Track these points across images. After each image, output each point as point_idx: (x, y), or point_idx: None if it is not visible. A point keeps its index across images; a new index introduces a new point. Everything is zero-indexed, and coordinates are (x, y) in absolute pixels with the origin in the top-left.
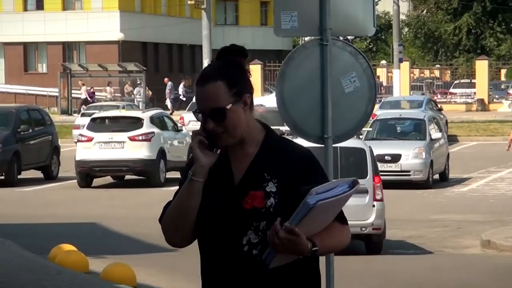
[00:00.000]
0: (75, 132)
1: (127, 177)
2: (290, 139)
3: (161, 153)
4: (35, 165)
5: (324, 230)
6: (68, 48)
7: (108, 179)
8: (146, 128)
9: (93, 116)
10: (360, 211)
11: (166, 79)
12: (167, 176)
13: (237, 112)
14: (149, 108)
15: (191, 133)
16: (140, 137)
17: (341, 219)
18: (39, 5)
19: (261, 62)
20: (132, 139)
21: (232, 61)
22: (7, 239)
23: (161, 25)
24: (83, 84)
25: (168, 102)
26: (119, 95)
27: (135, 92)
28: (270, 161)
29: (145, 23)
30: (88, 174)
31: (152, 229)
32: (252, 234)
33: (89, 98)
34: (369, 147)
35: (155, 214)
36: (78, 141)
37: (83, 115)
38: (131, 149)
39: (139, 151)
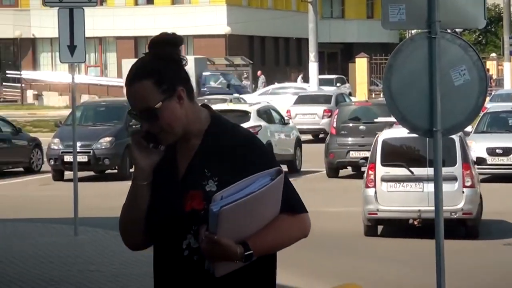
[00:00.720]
0: None
1: None
2: (237, 125)
3: (268, 146)
4: None
5: (264, 228)
6: None
7: None
8: (253, 121)
9: None
10: (449, 197)
11: (259, 72)
12: None
13: (170, 109)
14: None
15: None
16: None
17: (290, 207)
18: (149, 0)
19: (368, 56)
20: None
21: (160, 55)
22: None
23: (268, 19)
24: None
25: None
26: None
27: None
28: (211, 156)
29: (252, 16)
30: None
31: None
32: (191, 238)
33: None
34: (459, 136)
35: None
36: None
37: None
38: None
39: None
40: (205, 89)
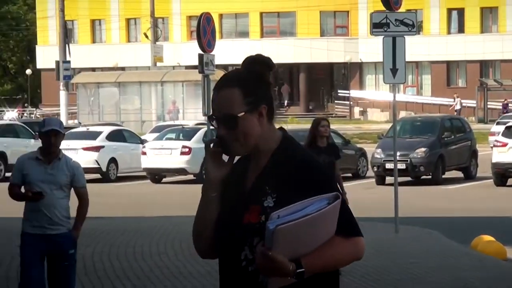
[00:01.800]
0: (491, 138)
1: None
2: (303, 149)
3: None
4: (456, 166)
5: (318, 248)
6: (484, 66)
7: None
8: None
9: (508, 124)
10: None
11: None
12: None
13: (249, 122)
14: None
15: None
16: None
17: (345, 231)
18: (460, 29)
19: None
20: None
21: (253, 71)
22: (434, 230)
23: None
24: (457, 96)
25: None
26: None
27: None
28: (273, 175)
29: None
30: (503, 174)
31: None
32: (248, 250)
33: (503, 109)
34: None
35: None
36: (494, 146)
37: (498, 123)
38: None
39: None
40: None
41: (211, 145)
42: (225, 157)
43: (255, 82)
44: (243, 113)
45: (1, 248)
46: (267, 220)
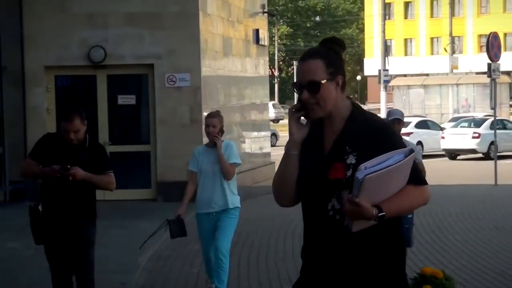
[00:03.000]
0: None
1: None
2: (373, 114)
3: None
4: None
5: (395, 195)
6: None
7: None
8: None
9: None
10: None
11: None
12: None
13: (329, 88)
14: None
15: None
16: None
17: (416, 180)
18: None
19: None
20: None
21: (332, 48)
22: None
23: None
24: None
25: None
26: None
27: None
28: (352, 136)
29: None
30: None
31: None
32: (335, 201)
33: None
34: None
35: None
36: None
37: None
38: None
39: None
40: None
41: (293, 110)
42: (303, 121)
43: (334, 56)
44: (325, 80)
45: None
46: (352, 174)
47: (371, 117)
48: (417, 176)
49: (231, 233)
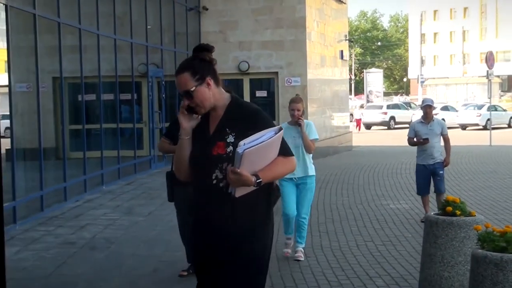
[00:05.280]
0: None
1: None
2: (248, 102)
3: None
4: None
5: (269, 164)
6: None
7: None
8: None
9: None
10: None
11: None
12: None
13: (201, 91)
14: None
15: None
16: None
17: (285, 152)
18: None
19: None
20: None
21: (197, 56)
22: None
23: None
24: None
25: None
26: None
27: None
28: (231, 120)
29: None
30: None
31: None
32: (218, 172)
33: None
34: None
35: None
36: None
37: None
38: None
39: None
40: None
41: (182, 108)
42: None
43: (199, 63)
44: (194, 87)
45: None
46: (232, 151)
47: (246, 104)
48: (285, 149)
49: (309, 201)
